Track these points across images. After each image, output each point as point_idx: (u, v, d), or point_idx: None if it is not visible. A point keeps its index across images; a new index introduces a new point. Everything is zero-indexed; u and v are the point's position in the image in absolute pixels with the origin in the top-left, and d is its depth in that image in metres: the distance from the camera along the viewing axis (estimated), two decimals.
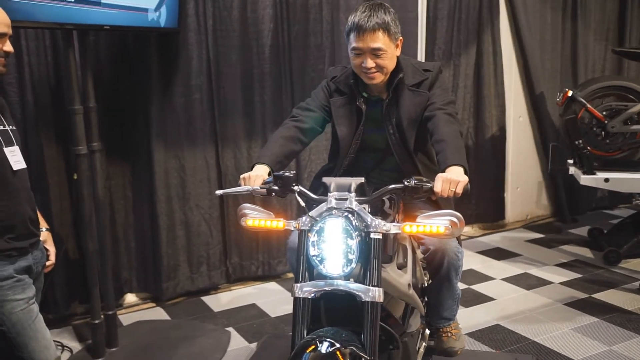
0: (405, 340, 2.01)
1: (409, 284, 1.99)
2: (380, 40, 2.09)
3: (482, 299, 3.70)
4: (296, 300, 1.79)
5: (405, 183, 1.81)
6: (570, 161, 4.36)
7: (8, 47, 2.03)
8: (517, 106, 4.97)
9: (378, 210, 1.99)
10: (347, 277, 1.78)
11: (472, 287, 3.89)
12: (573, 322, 3.34)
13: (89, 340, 3.18)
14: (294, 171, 1.91)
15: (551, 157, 4.51)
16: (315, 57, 3.92)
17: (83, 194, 2.94)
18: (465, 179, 1.83)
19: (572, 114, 4.11)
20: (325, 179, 1.87)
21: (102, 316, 3.10)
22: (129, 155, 3.60)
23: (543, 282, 3.92)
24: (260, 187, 1.94)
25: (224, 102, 3.76)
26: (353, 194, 1.82)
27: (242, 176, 2.02)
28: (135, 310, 3.70)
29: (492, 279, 4.02)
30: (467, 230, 4.95)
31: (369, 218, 1.77)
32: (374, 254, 1.76)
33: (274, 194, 1.92)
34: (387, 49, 2.12)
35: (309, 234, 1.78)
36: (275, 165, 2.10)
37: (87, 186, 2.94)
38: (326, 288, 1.77)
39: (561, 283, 3.90)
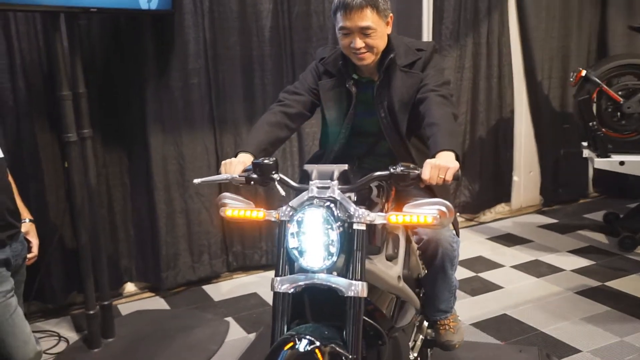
0: (395, 336, 1.91)
1: (398, 277, 1.89)
2: (368, 18, 1.97)
3: (490, 287, 3.58)
4: (276, 295, 1.70)
5: (391, 170, 1.69)
6: (585, 144, 4.19)
7: None
8: (526, 87, 4.78)
9: (365, 199, 1.88)
10: (329, 271, 1.67)
11: (480, 274, 3.76)
12: (584, 312, 3.20)
13: (86, 330, 3.13)
14: (274, 158, 1.80)
15: (564, 139, 4.35)
16: (318, 38, 3.80)
17: (74, 183, 2.87)
18: (456, 165, 1.71)
19: (585, 94, 3.94)
20: (307, 166, 1.77)
21: (97, 306, 3.05)
22: (125, 142, 3.53)
23: (554, 270, 3.78)
24: (239, 176, 1.85)
25: (223, 86, 3.66)
26: (335, 182, 1.71)
27: (222, 162, 1.92)
28: (135, 300, 3.65)
29: (501, 266, 3.89)
30: (478, 215, 4.81)
31: (352, 208, 1.66)
32: (357, 246, 1.65)
33: (252, 182, 1.82)
34: (376, 27, 1.99)
35: (288, 225, 1.67)
36: (260, 153, 2.00)
37: (79, 174, 2.87)
38: (306, 282, 1.67)
39: (573, 270, 3.76)
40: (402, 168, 1.69)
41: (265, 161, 1.78)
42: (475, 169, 4.69)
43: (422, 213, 1.64)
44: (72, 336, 3.19)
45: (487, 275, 3.74)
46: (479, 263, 3.94)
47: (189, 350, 3.00)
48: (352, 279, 1.64)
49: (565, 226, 4.57)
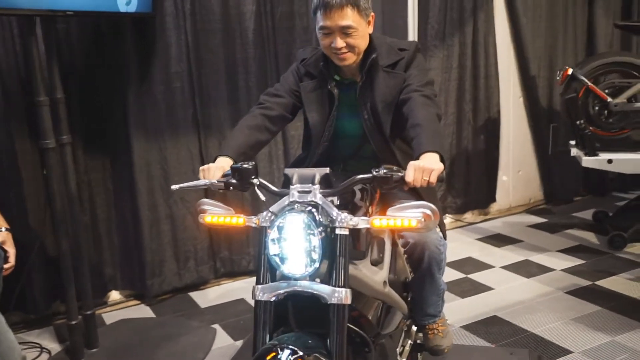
0: (381, 342, 1.86)
1: (384, 282, 1.84)
2: (349, 17, 1.92)
3: (480, 288, 3.54)
4: (257, 303, 1.65)
5: (374, 173, 1.65)
6: (573, 142, 4.17)
7: None
8: (515, 86, 4.77)
9: (349, 203, 1.83)
10: (312, 277, 1.63)
11: (470, 276, 3.72)
12: (575, 312, 3.17)
13: (69, 341, 3.06)
14: (253, 162, 1.75)
15: (552, 138, 4.32)
16: (302, 40, 3.75)
17: (54, 190, 2.80)
18: (440, 166, 1.66)
19: (572, 92, 3.92)
20: (288, 171, 1.71)
21: (80, 316, 2.99)
22: (108, 147, 3.46)
23: (544, 270, 3.75)
24: (218, 181, 1.79)
25: (207, 90, 3.60)
26: (317, 186, 1.66)
27: (201, 168, 1.87)
28: (120, 308, 3.57)
29: (491, 267, 3.85)
30: (466, 216, 4.78)
31: (334, 212, 1.61)
32: (340, 252, 1.60)
33: (231, 187, 1.77)
34: (357, 27, 1.95)
35: (269, 231, 1.62)
36: (239, 156, 1.94)
37: (58, 182, 2.81)
38: (288, 290, 1.62)
39: (563, 270, 3.73)
40: (385, 171, 1.64)
41: (244, 166, 1.72)
42: (462, 169, 4.66)
43: (407, 217, 1.59)
44: (55, 347, 3.11)
45: (477, 277, 3.71)
46: (469, 264, 3.90)
47: (175, 359, 2.94)
48: (335, 286, 1.59)
49: (555, 225, 4.55)
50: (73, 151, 3.17)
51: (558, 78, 4.03)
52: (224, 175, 1.81)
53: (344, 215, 1.61)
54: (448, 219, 4.65)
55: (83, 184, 3.37)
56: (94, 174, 3.44)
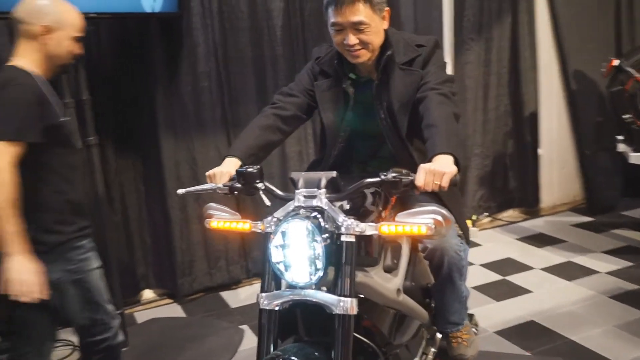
0: (395, 352, 1.77)
1: (398, 290, 1.75)
2: (361, 13, 1.84)
3: (518, 291, 3.39)
4: (261, 312, 1.60)
5: (382, 176, 1.56)
6: (620, 138, 3.95)
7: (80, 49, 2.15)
8: (557, 80, 4.55)
9: (360, 207, 1.75)
10: (318, 286, 1.56)
11: (508, 277, 3.58)
12: (618, 319, 2.99)
13: None
14: (259, 166, 1.69)
15: (597, 134, 4.12)
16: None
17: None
18: (453, 169, 1.56)
19: (619, 85, 3.73)
20: (294, 174, 1.65)
21: None
22: (137, 148, 3.49)
23: (588, 272, 3.56)
24: (224, 185, 1.75)
25: (235, 89, 3.58)
26: (323, 191, 1.59)
27: (207, 174, 1.83)
28: (153, 307, 3.60)
29: (530, 268, 3.69)
30: (508, 214, 4.61)
31: (340, 218, 1.54)
32: (346, 259, 1.53)
33: (236, 192, 1.72)
34: (370, 22, 1.87)
35: (272, 237, 1.56)
36: (249, 158, 1.89)
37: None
38: (292, 299, 1.56)
39: (608, 272, 3.54)
40: (394, 174, 1.56)
41: (249, 170, 1.67)
42: (502, 166, 4.49)
43: (416, 223, 1.50)
44: None
45: (515, 279, 3.55)
46: (507, 265, 3.75)
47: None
48: (340, 295, 1.52)
49: (601, 225, 4.32)
50: (103, 152, 3.22)
51: (603, 70, 3.83)
52: (231, 180, 1.76)
53: (350, 221, 1.53)
54: (485, 218, 4.49)
55: (114, 184, 3.40)
56: (124, 174, 3.47)
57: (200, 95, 3.49)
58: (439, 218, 1.50)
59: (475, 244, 4.14)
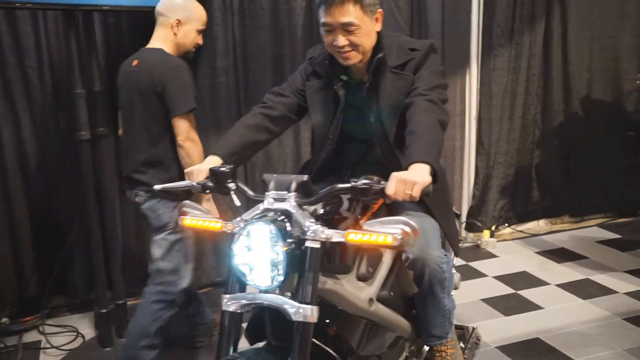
0: None
1: (370, 299, 1.71)
2: (350, 14, 1.80)
3: (528, 306, 3.29)
4: (223, 313, 1.58)
5: (352, 183, 1.52)
6: None
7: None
8: (589, 90, 4.38)
9: (334, 213, 1.71)
10: (282, 290, 1.53)
11: (520, 292, 3.46)
12: (630, 342, 2.86)
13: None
14: (232, 165, 1.68)
15: (629, 147, 3.95)
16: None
17: (86, 181, 2.87)
18: (425, 179, 1.51)
19: None
20: (266, 176, 1.62)
21: (112, 305, 3.05)
22: None
23: (605, 291, 3.42)
24: (197, 183, 1.74)
25: (253, 86, 3.57)
26: (292, 194, 1.56)
27: (185, 170, 1.82)
28: None
29: (545, 284, 3.57)
30: (531, 226, 4.47)
31: (306, 222, 1.51)
32: (309, 266, 1.50)
33: (208, 191, 1.71)
34: (360, 24, 1.82)
35: (236, 238, 1.54)
36: (231, 157, 1.87)
37: (89, 173, 2.87)
38: (252, 302, 1.54)
39: (627, 293, 3.39)
40: (365, 181, 1.52)
41: (222, 169, 1.66)
42: (527, 176, 4.36)
43: (382, 232, 1.45)
44: (90, 333, 3.20)
45: (527, 293, 3.44)
46: (521, 279, 3.63)
47: (198, 355, 2.93)
48: (301, 302, 1.48)
49: (628, 242, 4.15)
50: (115, 143, 3.25)
51: (639, 82, 3.67)
52: (206, 178, 1.75)
53: (317, 227, 1.50)
54: (507, 229, 4.37)
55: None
56: None
57: (217, 91, 3.49)
58: (407, 229, 1.45)
59: (492, 255, 4.03)
